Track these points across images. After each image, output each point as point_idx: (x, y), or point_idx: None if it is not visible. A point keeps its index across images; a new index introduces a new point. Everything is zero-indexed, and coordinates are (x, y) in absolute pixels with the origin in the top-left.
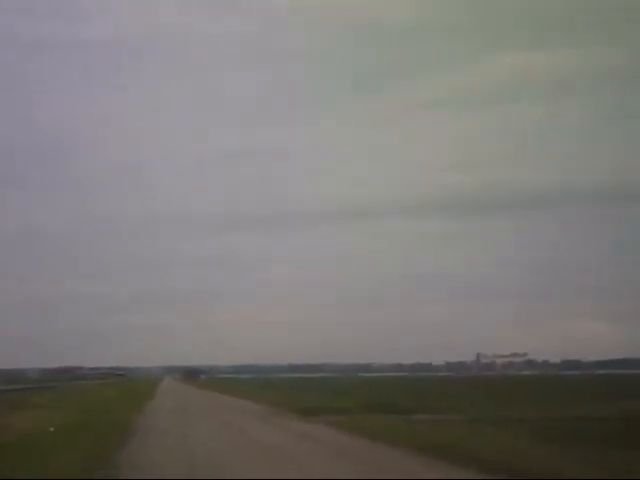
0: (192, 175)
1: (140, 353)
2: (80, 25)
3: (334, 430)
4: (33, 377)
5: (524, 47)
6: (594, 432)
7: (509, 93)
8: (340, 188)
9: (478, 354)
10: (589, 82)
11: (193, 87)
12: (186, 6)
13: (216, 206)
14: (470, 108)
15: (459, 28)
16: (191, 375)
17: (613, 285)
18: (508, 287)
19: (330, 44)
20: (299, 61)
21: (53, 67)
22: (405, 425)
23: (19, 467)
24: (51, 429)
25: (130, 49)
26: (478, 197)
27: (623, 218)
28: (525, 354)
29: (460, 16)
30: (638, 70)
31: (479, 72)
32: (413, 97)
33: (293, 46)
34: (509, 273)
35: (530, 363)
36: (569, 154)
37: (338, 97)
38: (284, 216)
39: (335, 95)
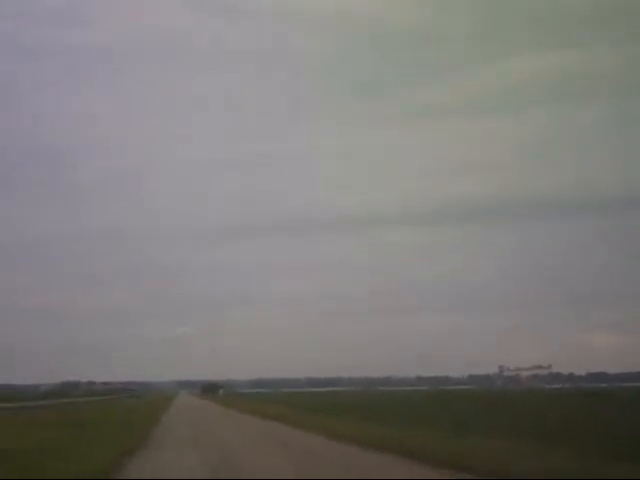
0: (193, 183)
1: (154, 367)
2: (70, 30)
3: None
4: (36, 393)
5: (531, 51)
6: None
7: (513, 99)
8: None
9: (500, 367)
10: (600, 86)
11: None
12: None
13: (227, 215)
14: (473, 115)
15: (462, 33)
16: (210, 390)
17: (635, 295)
18: (523, 297)
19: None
20: (299, 67)
21: (48, 72)
22: None
23: None
24: None
25: (127, 55)
26: (490, 205)
27: None
28: (549, 366)
29: (463, 21)
30: None
31: (481, 78)
32: (414, 103)
33: (293, 52)
34: (522, 283)
35: (556, 376)
36: (581, 161)
37: (338, 103)
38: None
39: (336, 101)
